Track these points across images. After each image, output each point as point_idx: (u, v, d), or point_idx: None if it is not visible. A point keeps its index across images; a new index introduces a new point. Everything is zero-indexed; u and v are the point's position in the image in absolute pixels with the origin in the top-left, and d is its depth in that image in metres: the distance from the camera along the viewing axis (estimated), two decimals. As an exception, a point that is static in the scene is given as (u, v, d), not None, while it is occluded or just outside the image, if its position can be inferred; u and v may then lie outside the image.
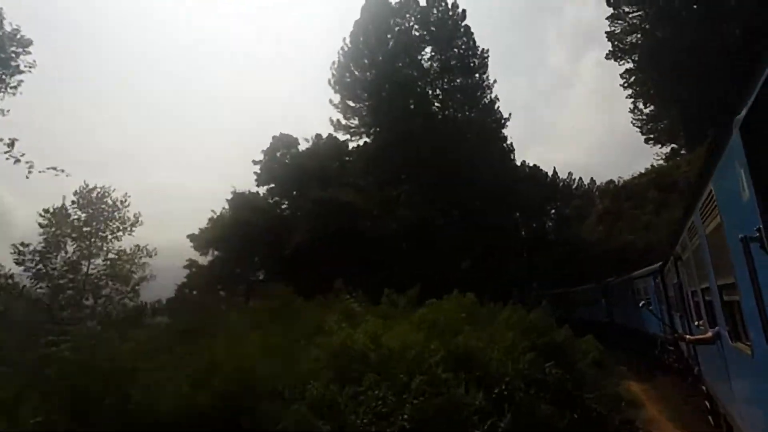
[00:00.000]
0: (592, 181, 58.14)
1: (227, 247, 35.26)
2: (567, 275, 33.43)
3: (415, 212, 32.91)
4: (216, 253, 35.99)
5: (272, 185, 40.24)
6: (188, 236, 36.35)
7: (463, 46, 42.84)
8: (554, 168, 58.64)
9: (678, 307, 9.33)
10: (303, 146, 43.02)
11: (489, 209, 38.06)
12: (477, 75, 42.75)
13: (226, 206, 37.66)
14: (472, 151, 38.23)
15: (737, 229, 3.01)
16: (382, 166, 36.27)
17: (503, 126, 43.14)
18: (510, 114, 43.61)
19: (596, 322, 23.20)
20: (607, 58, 44.94)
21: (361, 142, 41.77)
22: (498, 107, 43.08)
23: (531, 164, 55.29)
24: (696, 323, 6.91)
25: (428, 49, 42.10)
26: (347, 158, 42.79)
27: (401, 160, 36.08)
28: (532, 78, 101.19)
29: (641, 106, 45.15)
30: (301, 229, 32.16)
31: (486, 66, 43.30)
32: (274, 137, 43.17)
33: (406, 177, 37.11)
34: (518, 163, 48.76)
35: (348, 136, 41.94)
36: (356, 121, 41.50)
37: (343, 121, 41.58)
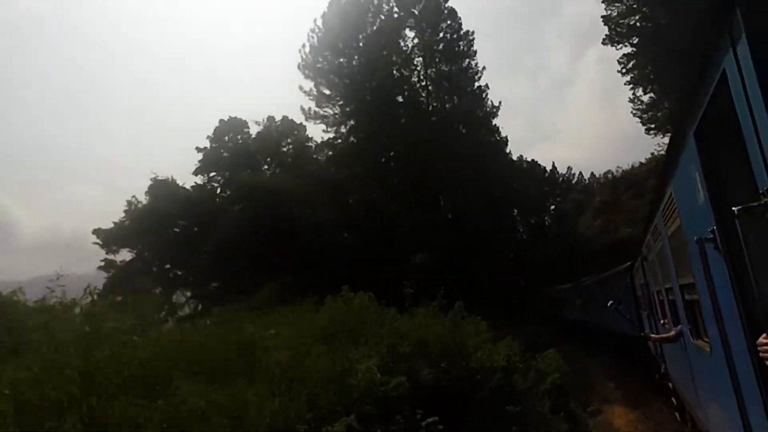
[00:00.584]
0: (593, 175, 55.72)
1: (142, 243, 31.13)
2: (563, 272, 32.11)
3: (369, 204, 30.31)
4: (127, 250, 31.59)
5: (213, 173, 36.81)
6: (94, 231, 31.35)
7: (449, 30, 40.02)
8: (553, 163, 56.57)
9: (645, 307, 9.60)
10: (254, 130, 39.67)
11: (478, 204, 36.37)
12: (464, 61, 40.30)
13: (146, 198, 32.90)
14: (459, 143, 36.18)
15: (694, 231, 3.12)
16: (365, 159, 33.76)
17: (493, 115, 40.88)
18: (500, 102, 41.32)
19: (575, 321, 23.58)
20: (603, 43, 41.51)
21: (329, 132, 38.49)
22: (487, 96, 40.68)
23: (529, 159, 53.23)
24: (661, 322, 7.12)
25: (410, 33, 39.53)
26: (307, 143, 39.63)
27: (385, 154, 34.15)
28: (533, 78, 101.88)
29: (640, 93, 41.82)
30: (230, 220, 28.57)
31: (473, 50, 40.61)
32: (221, 121, 39.69)
33: (391, 171, 34.83)
34: (514, 158, 46.98)
35: (324, 126, 38.55)
36: (331, 110, 38.09)
37: (316, 110, 38.22)
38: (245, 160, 34.83)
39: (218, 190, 36.45)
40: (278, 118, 39.74)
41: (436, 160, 34.33)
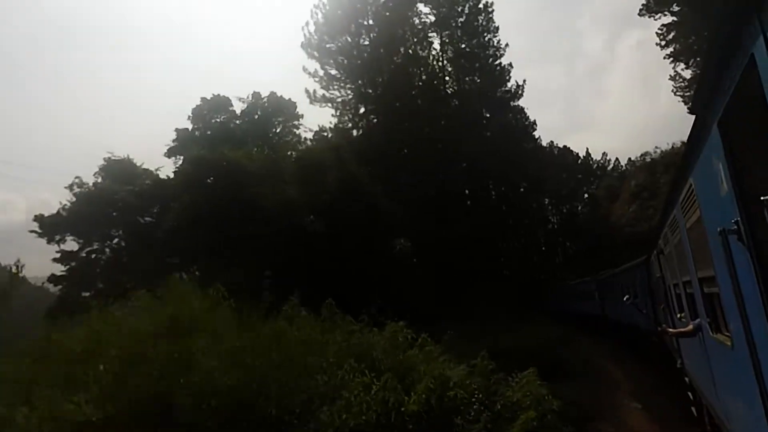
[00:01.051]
0: (630, 161, 51.51)
1: (95, 230, 26.85)
2: (594, 263, 30.39)
3: (372, 198, 26.92)
4: (72, 238, 27.06)
5: (191, 155, 31.06)
6: (36, 217, 26.87)
7: (466, 2, 36.56)
8: (587, 149, 53.56)
9: (662, 301, 9.48)
10: (240, 109, 37.26)
11: (504, 194, 34.55)
12: (484, 36, 37.06)
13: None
14: (482, 127, 33.96)
15: (716, 223, 3.05)
16: (377, 145, 30.53)
17: (517, 96, 37.51)
18: (524, 81, 37.57)
19: (595, 316, 23.22)
20: (640, 14, 37.37)
21: (336, 117, 35.09)
22: (510, 75, 37.23)
23: (560, 146, 50.66)
24: (678, 316, 7.02)
25: (424, 9, 36.10)
26: (296, 122, 37.01)
27: (400, 140, 30.93)
28: (568, 65, 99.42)
29: (682, 68, 37.95)
30: (182, 204, 24.28)
31: (494, 25, 37.13)
32: (202, 99, 36.73)
33: (405, 159, 31.54)
34: (544, 144, 44.25)
35: (333, 111, 35.16)
36: (339, 93, 34.68)
37: (322, 92, 34.60)
38: (227, 140, 30.96)
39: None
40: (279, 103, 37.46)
41: (456, 146, 31.87)
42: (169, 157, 34.26)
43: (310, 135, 35.98)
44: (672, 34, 36.85)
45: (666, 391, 10.31)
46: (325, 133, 34.20)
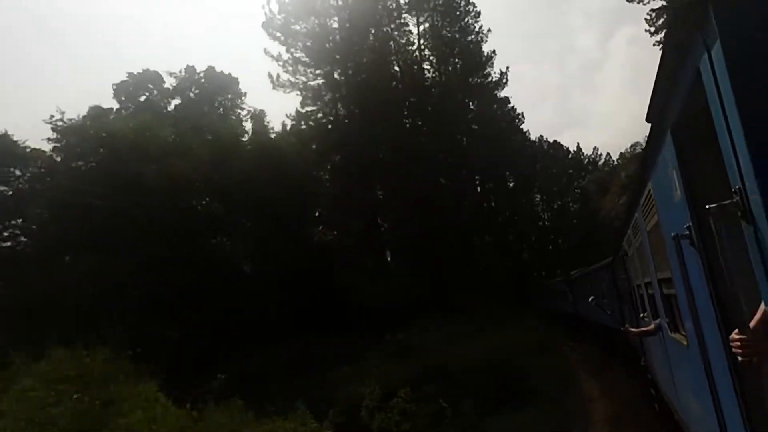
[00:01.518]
0: (621, 155, 50.57)
1: None
2: (588, 258, 30.69)
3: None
4: None
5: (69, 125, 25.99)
6: None
7: None
8: (578, 144, 52.97)
9: (626, 301, 9.78)
10: (170, 84, 33.46)
11: (492, 189, 33.37)
12: (464, 20, 35.14)
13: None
14: (465, 119, 32.18)
15: (671, 227, 3.17)
16: (351, 141, 28.66)
17: (502, 85, 35.68)
18: (507, 68, 36.28)
19: (571, 315, 23.53)
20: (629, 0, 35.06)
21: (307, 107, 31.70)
22: (493, 63, 35.24)
23: (550, 140, 49.15)
24: (641, 315, 7.26)
25: None
26: (238, 98, 33.04)
27: (374, 130, 28.69)
28: (560, 62, 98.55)
29: None
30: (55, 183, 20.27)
31: (475, 9, 34.93)
32: (129, 74, 32.64)
33: (381, 152, 29.55)
34: (533, 138, 43.07)
35: (300, 98, 31.74)
36: (305, 78, 31.77)
37: (287, 77, 31.50)
38: (155, 121, 27.20)
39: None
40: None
41: (439, 138, 30.28)
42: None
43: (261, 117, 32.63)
44: (661, 20, 35.30)
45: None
46: (293, 122, 31.76)
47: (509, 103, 37.31)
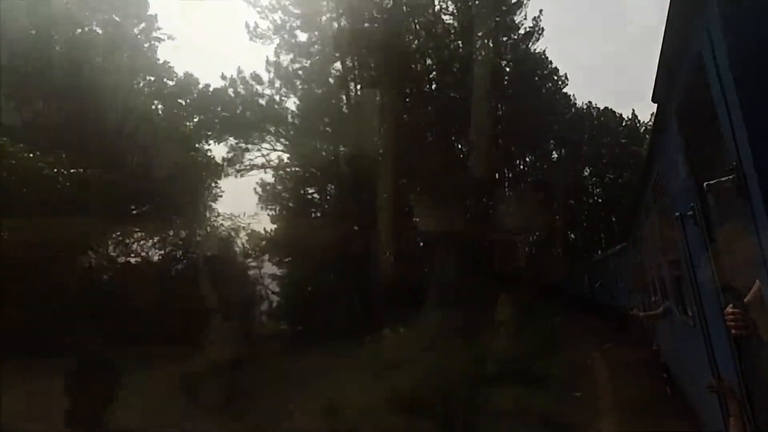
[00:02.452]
0: None
1: None
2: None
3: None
4: None
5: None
6: None
7: None
8: (633, 110, 44.47)
9: (639, 284, 9.76)
10: None
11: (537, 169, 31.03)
12: None
13: None
14: (494, 76, 23.39)
15: (678, 208, 3.22)
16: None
17: (534, 36, 27.85)
18: (540, 11, 26.95)
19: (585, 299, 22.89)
20: None
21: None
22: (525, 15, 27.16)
23: (600, 107, 42.30)
24: (653, 299, 7.28)
25: None
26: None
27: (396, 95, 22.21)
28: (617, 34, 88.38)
29: None
30: None
31: None
32: None
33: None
34: (579, 104, 37.49)
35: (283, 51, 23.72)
36: (293, 25, 23.88)
37: (268, 24, 23.87)
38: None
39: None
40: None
41: (467, 99, 22.54)
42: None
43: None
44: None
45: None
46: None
47: (546, 59, 30.39)
